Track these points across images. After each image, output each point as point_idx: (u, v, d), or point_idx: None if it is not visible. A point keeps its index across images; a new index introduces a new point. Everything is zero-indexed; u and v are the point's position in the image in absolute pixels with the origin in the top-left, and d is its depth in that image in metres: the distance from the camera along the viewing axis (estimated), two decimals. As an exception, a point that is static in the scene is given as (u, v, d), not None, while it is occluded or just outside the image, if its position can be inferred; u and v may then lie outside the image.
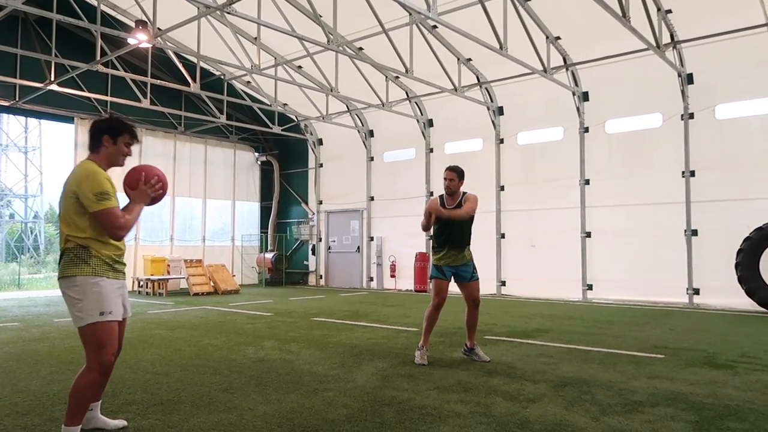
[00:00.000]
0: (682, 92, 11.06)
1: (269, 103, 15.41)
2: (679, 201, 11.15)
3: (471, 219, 5.86)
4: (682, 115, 11.15)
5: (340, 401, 4.19)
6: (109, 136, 3.42)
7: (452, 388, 4.60)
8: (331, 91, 13.05)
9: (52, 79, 12.25)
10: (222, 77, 15.16)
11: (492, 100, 13.75)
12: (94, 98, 14.39)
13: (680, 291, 11.09)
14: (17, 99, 13.34)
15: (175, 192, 16.59)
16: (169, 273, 15.05)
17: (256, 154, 18.83)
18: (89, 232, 3.22)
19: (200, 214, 17.20)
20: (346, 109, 15.96)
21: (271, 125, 16.12)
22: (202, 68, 14.91)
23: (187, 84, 13.40)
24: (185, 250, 16.44)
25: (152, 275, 14.80)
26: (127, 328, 7.80)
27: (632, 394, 4.38)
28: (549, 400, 4.24)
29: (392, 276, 15.84)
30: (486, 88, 13.56)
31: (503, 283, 13.68)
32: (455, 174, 5.79)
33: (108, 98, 14.04)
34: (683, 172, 11.14)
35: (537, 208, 13.18)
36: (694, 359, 5.77)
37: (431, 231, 5.93)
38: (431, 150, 15.26)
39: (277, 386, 4.64)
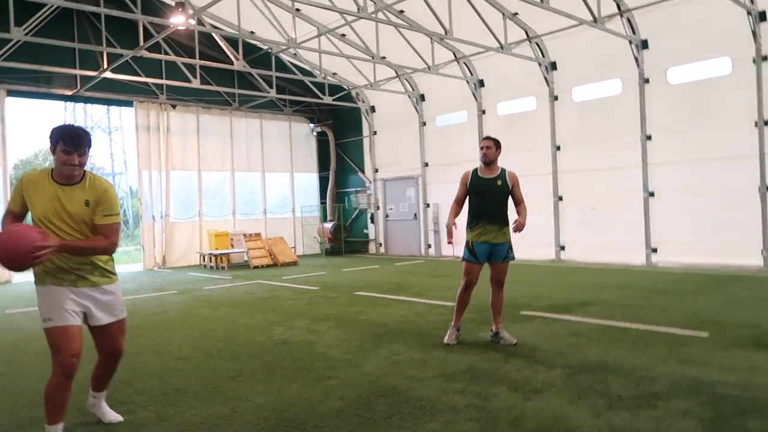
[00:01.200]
0: (754, 33, 9.92)
1: (315, 73, 15.31)
2: (752, 154, 10.14)
3: (507, 193, 5.52)
4: (753, 59, 10.04)
5: (339, 391, 4.15)
6: (52, 146, 3.26)
7: (460, 375, 4.44)
8: (373, 58, 12.76)
9: (105, 66, 12.75)
10: (269, 51, 15.18)
11: (543, 56, 12.97)
12: (151, 82, 14.86)
13: (754, 252, 10.20)
14: (79, 88, 14.00)
15: (235, 167, 17.02)
16: (232, 247, 15.57)
17: (312, 125, 18.91)
18: None
19: (260, 187, 17.59)
20: (395, 75, 15.61)
21: (321, 96, 16.06)
22: (250, 44, 15.09)
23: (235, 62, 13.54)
24: (247, 224, 16.90)
25: (217, 249, 15.39)
26: (177, 305, 8.08)
27: (652, 384, 4.06)
28: (556, 390, 4.00)
29: (449, 243, 15.57)
30: (536, 43, 12.79)
31: (562, 248, 13.15)
32: (492, 142, 5.55)
33: (162, 81, 14.50)
34: (756, 122, 10.09)
35: (596, 168, 12.44)
36: (740, 338, 5.27)
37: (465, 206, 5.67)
38: (483, 112, 14.70)
39: (284, 373, 4.67)
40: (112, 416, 3.72)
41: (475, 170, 5.61)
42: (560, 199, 13.14)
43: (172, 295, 9.88)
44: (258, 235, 15.33)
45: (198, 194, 16.30)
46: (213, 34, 13.77)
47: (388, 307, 7.69)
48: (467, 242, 5.57)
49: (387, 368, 4.72)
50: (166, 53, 13.74)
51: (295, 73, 15.64)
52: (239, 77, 16.73)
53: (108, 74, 12.90)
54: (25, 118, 39.33)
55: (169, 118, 15.72)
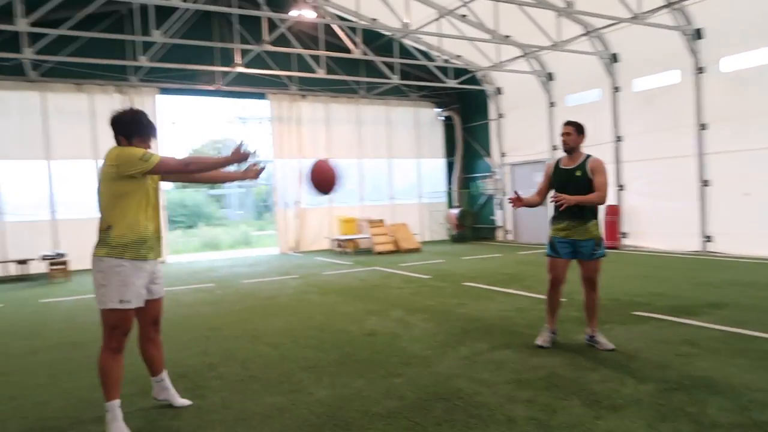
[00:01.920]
0: None
1: (436, 57, 15.06)
2: None
3: (588, 184, 5.01)
4: None
5: (401, 391, 4.04)
6: (124, 138, 3.62)
7: (535, 382, 4.11)
8: (493, 37, 12.24)
9: (239, 61, 13.63)
10: (393, 37, 15.20)
11: (688, 23, 11.53)
12: (282, 75, 15.62)
13: None
14: (219, 83, 15.13)
15: (362, 154, 17.40)
16: (359, 232, 15.99)
17: (438, 109, 18.71)
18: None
19: (387, 174, 17.82)
20: (521, 54, 14.86)
21: (445, 79, 15.78)
22: (373, 31, 15.22)
23: (364, 52, 13.76)
24: (374, 210, 17.24)
25: (345, 234, 15.92)
26: (291, 290, 8.38)
27: (762, 411, 3.42)
28: (638, 408, 3.53)
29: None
30: (680, 9, 11.39)
31: (708, 239, 11.71)
32: (572, 128, 5.06)
33: (292, 73, 15.19)
34: None
35: (750, 149, 10.85)
36: None
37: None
38: (617, 89, 13.48)
39: (357, 367, 4.65)
40: (181, 402, 3.93)
41: (559, 160, 5.14)
42: (706, 183, 11.68)
43: (292, 279, 10.37)
44: (381, 221, 15.56)
45: (327, 181, 16.87)
46: (333, 24, 14.00)
47: (491, 301, 7.38)
48: (548, 238, 5.14)
49: (460, 369, 4.50)
50: (295, 46, 14.34)
51: (418, 59, 15.51)
52: (366, 65, 16.99)
53: (240, 69, 13.78)
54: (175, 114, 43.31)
55: (300, 108, 16.44)
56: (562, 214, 5.03)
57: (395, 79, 15.17)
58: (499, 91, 17.10)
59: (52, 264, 11.45)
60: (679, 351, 4.74)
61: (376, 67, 16.26)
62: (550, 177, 5.14)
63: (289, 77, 15.89)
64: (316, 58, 14.60)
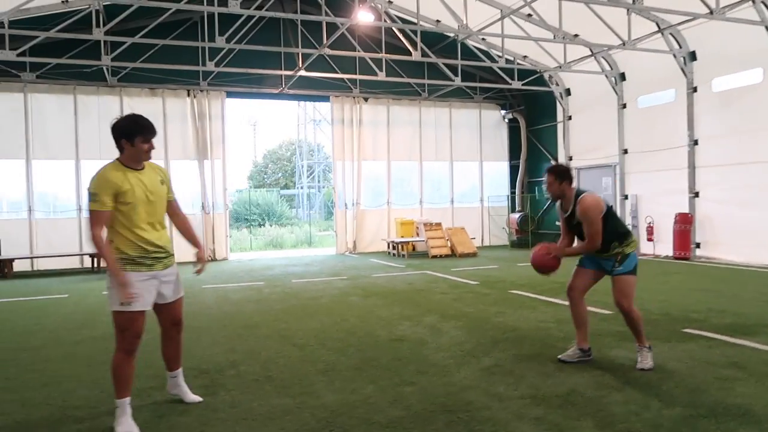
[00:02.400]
0: None
1: (501, 58, 14.68)
2: None
3: (600, 222, 4.59)
4: None
5: (409, 400, 3.93)
6: (126, 141, 3.60)
7: (551, 399, 3.88)
8: (563, 37, 11.80)
9: (301, 65, 13.91)
10: (456, 38, 15.01)
11: (772, 17, 10.64)
12: (345, 78, 15.80)
13: None
14: (283, 86, 15.50)
15: (423, 156, 17.30)
16: (417, 235, 15.91)
17: (503, 111, 18.31)
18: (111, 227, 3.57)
19: (448, 177, 17.62)
20: (590, 53, 14.27)
21: (509, 81, 15.40)
22: (436, 33, 15.08)
23: (425, 54, 13.68)
24: (434, 213, 17.10)
25: (402, 237, 15.88)
26: (335, 291, 8.39)
27: (796, 447, 3.07)
28: (655, 436, 3.26)
29: (649, 239, 13.87)
30: (762, 2, 10.54)
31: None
32: (552, 176, 4.66)
33: (353, 76, 15.33)
34: None
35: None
36: None
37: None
38: (695, 89, 12.65)
39: (372, 372, 4.58)
40: (192, 398, 4.01)
41: (561, 202, 4.88)
42: (790, 192, 10.74)
43: (340, 280, 10.43)
44: (438, 224, 15.39)
45: (387, 183, 16.95)
46: (393, 28, 13.98)
47: (533, 310, 7.10)
48: None
49: (477, 380, 4.34)
50: (357, 49, 14.47)
51: (482, 60, 15.22)
52: (428, 67, 16.87)
53: (302, 72, 14.06)
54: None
55: (361, 110, 16.57)
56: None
57: (457, 81, 14.96)
58: (567, 92, 16.50)
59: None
60: (721, 374, 4.35)
61: (439, 69, 16.12)
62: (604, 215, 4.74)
63: (352, 80, 16.05)
64: (377, 60, 14.65)
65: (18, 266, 12.96)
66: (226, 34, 11.61)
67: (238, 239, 21.40)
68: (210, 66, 13.01)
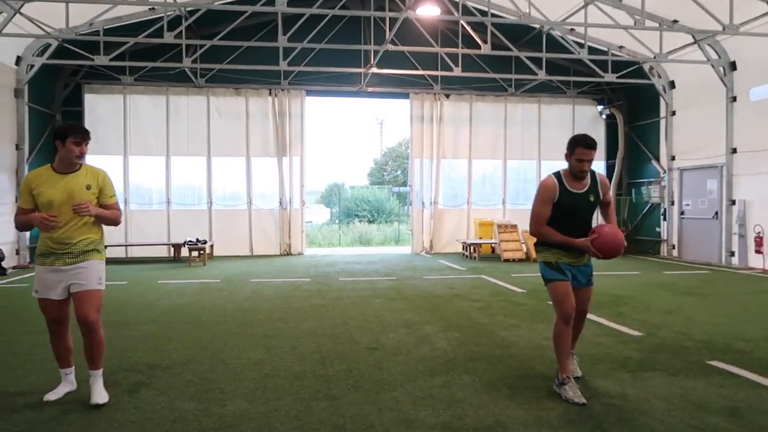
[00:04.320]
0: None
1: (581, 49, 13.49)
2: None
3: (597, 205, 4.23)
4: None
5: (308, 419, 3.63)
6: (59, 141, 3.77)
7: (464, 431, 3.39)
8: (636, 23, 10.60)
9: (372, 62, 13.80)
10: (541, 29, 14.07)
11: None
12: (427, 74, 15.46)
13: None
14: (362, 84, 15.50)
15: (507, 155, 16.47)
16: (498, 237, 15.15)
17: (600, 107, 16.87)
18: None
19: (534, 176, 16.61)
20: (692, 41, 12.67)
21: (602, 73, 14.12)
22: (522, 25, 14.21)
23: (498, 47, 13.01)
24: (518, 214, 16.16)
25: (481, 239, 15.24)
26: (366, 293, 8.35)
27: None
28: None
29: (758, 251, 12.03)
30: None
31: None
32: (594, 152, 4.14)
33: (430, 72, 14.97)
34: None
35: None
36: None
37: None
38: (815, 78, 10.75)
39: (305, 383, 4.32)
40: (94, 399, 3.85)
41: (562, 181, 4.21)
42: None
43: (385, 281, 10.18)
44: (514, 226, 14.52)
45: (467, 182, 16.35)
46: (461, 21, 13.36)
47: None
48: (543, 262, 4.27)
49: (404, 402, 3.91)
50: (434, 45, 14.06)
51: (572, 52, 14.10)
52: (516, 61, 15.98)
53: (374, 70, 13.95)
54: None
55: (442, 107, 16.13)
56: (570, 234, 4.14)
57: (541, 75, 13.99)
58: (671, 85, 14.80)
59: (191, 249, 12.80)
60: (705, 422, 3.53)
61: (525, 63, 15.21)
62: (554, 202, 4.17)
63: (433, 77, 15.65)
64: (456, 56, 14.13)
65: (113, 253, 14.20)
66: (309, 35, 11.94)
67: (328, 235, 21.87)
68: (283, 65, 13.30)
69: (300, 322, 6.59)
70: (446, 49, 13.56)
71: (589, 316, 6.75)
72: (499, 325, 6.43)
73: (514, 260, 13.64)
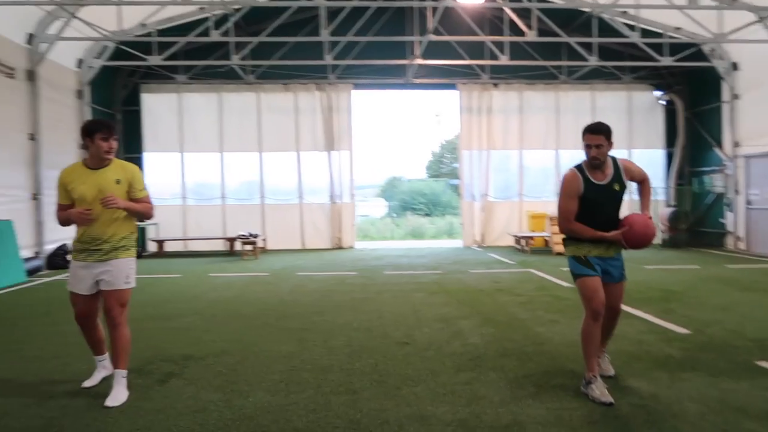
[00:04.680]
0: None
1: (632, 32, 12.89)
2: None
3: (624, 192, 4.12)
4: None
5: (322, 413, 3.66)
6: (88, 138, 3.93)
7: (479, 430, 3.32)
8: (699, 1, 10.00)
9: (417, 54, 13.70)
10: (591, 13, 13.54)
11: None
12: (475, 64, 15.19)
13: None
14: (408, 76, 15.42)
15: (559, 145, 16.00)
16: (550, 229, 14.77)
17: (657, 92, 16.11)
18: None
19: (588, 166, 16.05)
20: (756, 19, 11.88)
21: (658, 57, 13.47)
22: (569, 10, 13.77)
23: (545, 33, 12.65)
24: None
25: (533, 231, 14.92)
26: (408, 287, 8.51)
27: None
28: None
29: None
30: None
31: None
32: (602, 137, 3.96)
33: (484, 62, 14.67)
34: None
35: None
36: None
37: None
38: None
39: (329, 378, 4.35)
40: (108, 401, 3.88)
41: (584, 173, 4.06)
42: None
43: (430, 274, 10.12)
44: (566, 218, 14.06)
45: (519, 174, 16.01)
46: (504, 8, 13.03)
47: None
48: (571, 257, 4.11)
49: (422, 398, 3.88)
50: (480, 33, 13.80)
51: (626, 36, 13.51)
52: (567, 48, 15.48)
53: (419, 61, 13.83)
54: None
55: (491, 97, 15.83)
56: (598, 228, 3.99)
57: (592, 60, 13.50)
58: (734, 67, 13.96)
59: (244, 243, 13.13)
60: (748, 430, 3.32)
61: (575, 48, 14.71)
62: (580, 195, 4.00)
63: (482, 66, 15.38)
64: (501, 44, 13.82)
65: (173, 246, 14.79)
66: (354, 28, 12.01)
67: (381, 228, 21.94)
68: (328, 59, 13.40)
69: (337, 315, 6.64)
70: (491, 38, 13.31)
71: (635, 311, 6.55)
72: (538, 320, 6.27)
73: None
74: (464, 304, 7.30)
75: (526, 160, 16.05)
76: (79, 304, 4.07)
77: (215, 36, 11.64)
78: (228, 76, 15.12)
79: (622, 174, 4.06)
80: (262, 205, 15.58)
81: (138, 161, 15.39)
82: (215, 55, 14.58)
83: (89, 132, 3.97)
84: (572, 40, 13.23)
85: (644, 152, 16.19)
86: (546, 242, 14.75)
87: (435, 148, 59.75)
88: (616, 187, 4.01)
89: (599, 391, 3.79)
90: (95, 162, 4.02)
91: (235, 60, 13.24)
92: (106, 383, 4.13)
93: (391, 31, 13.93)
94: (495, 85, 15.81)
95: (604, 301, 3.97)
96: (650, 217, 4.05)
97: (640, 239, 3.93)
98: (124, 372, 4.00)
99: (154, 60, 12.73)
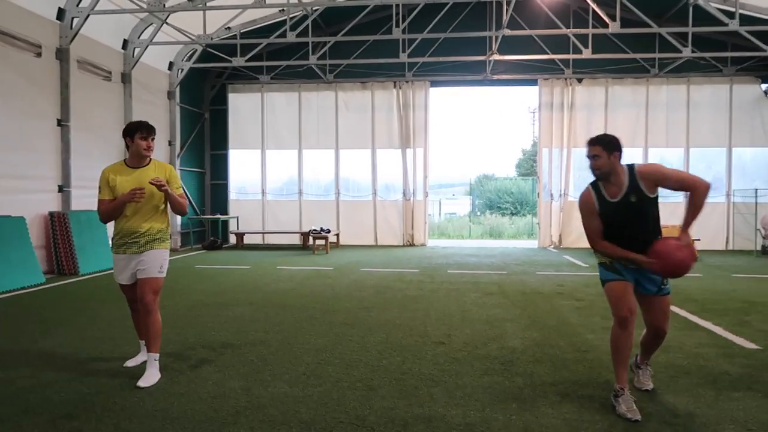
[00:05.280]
0: None
1: (731, 20, 11.80)
2: None
3: (652, 202, 3.70)
4: None
5: (325, 409, 3.67)
6: (129, 137, 4.19)
7: (481, 437, 3.21)
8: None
9: (494, 50, 13.39)
10: (687, 1, 12.59)
11: None
12: (557, 58, 14.63)
13: None
14: (486, 72, 15.12)
15: (649, 142, 15.05)
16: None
17: (764, 85, 14.72)
18: None
19: (680, 165, 14.97)
20: None
21: (765, 46, 12.31)
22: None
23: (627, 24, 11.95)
24: (662, 208, 14.72)
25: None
26: (470, 286, 8.45)
27: None
28: None
29: None
30: None
31: None
32: (599, 146, 3.66)
33: (567, 56, 14.09)
34: None
35: None
36: None
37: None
38: None
39: (351, 373, 4.35)
40: (140, 381, 4.11)
41: (599, 191, 3.77)
42: None
43: (493, 275, 9.88)
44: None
45: (602, 173, 15.21)
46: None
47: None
48: (600, 263, 3.86)
49: (456, 398, 3.78)
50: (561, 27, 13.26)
51: (725, 24, 12.45)
52: (660, 39, 14.51)
53: (495, 56, 13.53)
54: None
55: (574, 93, 15.18)
56: (623, 246, 3.69)
57: (686, 52, 12.58)
58: None
59: (315, 238, 13.45)
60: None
61: (668, 39, 13.75)
62: (599, 214, 3.74)
63: (564, 61, 14.78)
64: (584, 37, 13.20)
65: (252, 239, 15.46)
66: (430, 25, 11.99)
67: (459, 226, 21.68)
68: (403, 57, 13.41)
69: (383, 312, 6.65)
70: (573, 30, 12.70)
71: (703, 323, 6.07)
72: (590, 327, 5.94)
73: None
74: (517, 306, 7.06)
75: (610, 158, 15.21)
76: (126, 293, 4.42)
77: (291, 37, 11.97)
78: (308, 76, 15.54)
79: (640, 183, 3.64)
80: (337, 201, 15.88)
81: (223, 158, 16.24)
82: (296, 55, 15.03)
83: (130, 132, 4.23)
84: (664, 30, 12.39)
85: (747, 150, 14.90)
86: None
87: (526, 145, 58.36)
88: (633, 199, 3.63)
89: (626, 405, 3.53)
90: (135, 161, 4.28)
91: (312, 60, 13.58)
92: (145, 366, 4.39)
93: (470, 27, 13.70)
94: (578, 80, 15.13)
95: (632, 307, 3.68)
96: (684, 239, 3.51)
97: (672, 271, 3.55)
98: (156, 355, 4.22)
99: (238, 62, 13.33)
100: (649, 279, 3.74)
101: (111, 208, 4.27)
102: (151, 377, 4.12)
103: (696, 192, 3.57)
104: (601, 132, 13.28)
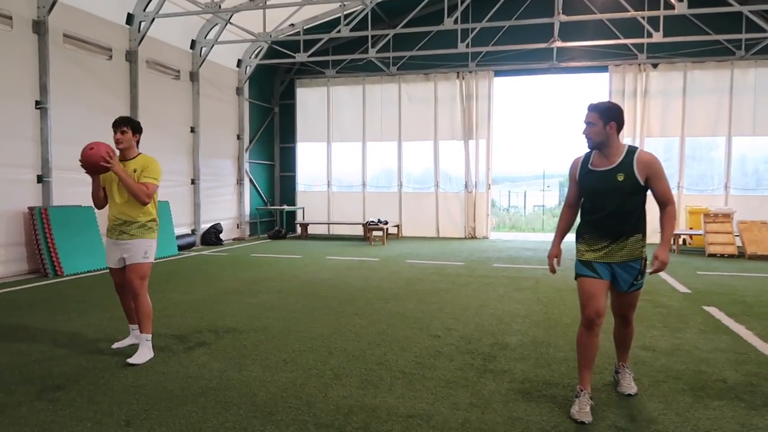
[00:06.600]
0: None
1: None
2: None
3: (639, 189, 3.50)
4: None
5: (313, 404, 3.81)
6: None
7: None
8: None
9: (555, 36, 12.88)
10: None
11: None
12: (629, 43, 13.83)
13: None
14: (553, 60, 14.58)
15: (732, 131, 13.88)
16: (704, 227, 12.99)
17: None
18: None
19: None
20: None
21: None
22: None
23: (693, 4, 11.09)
24: (747, 202, 13.64)
25: (691, 229, 13.28)
26: (505, 280, 8.67)
27: None
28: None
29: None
30: None
31: None
32: (596, 114, 3.51)
33: (641, 40, 13.29)
34: None
35: None
36: None
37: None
38: None
39: (349, 366, 4.48)
40: (132, 359, 4.42)
41: (587, 157, 3.67)
42: None
43: (536, 269, 9.61)
44: (726, 216, 12.21)
45: (679, 163, 14.26)
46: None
47: (681, 333, 5.40)
48: (577, 259, 3.72)
49: (443, 395, 3.82)
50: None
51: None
52: (747, 18, 13.30)
53: (558, 44, 13.02)
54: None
55: (648, 79, 14.29)
56: (597, 232, 3.55)
57: (772, 31, 11.49)
58: None
59: (371, 229, 13.65)
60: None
61: (752, 19, 12.61)
62: (577, 182, 3.64)
63: (640, 46, 13.93)
64: (656, 19, 12.39)
65: (316, 230, 15.97)
66: (490, 13, 11.91)
67: (530, 219, 21.05)
68: (461, 47, 13.24)
69: (399, 303, 6.70)
70: (640, 13, 11.96)
71: (735, 326, 5.63)
72: (603, 327, 5.65)
73: (723, 255, 11.54)
74: (542, 302, 6.85)
75: (688, 147, 14.22)
76: (115, 276, 4.75)
77: (345, 32, 12.19)
78: (371, 69, 15.72)
79: (635, 166, 3.47)
80: (399, 192, 15.99)
81: (292, 151, 16.83)
82: (359, 49, 15.25)
83: (113, 126, 4.58)
84: (747, 9, 11.38)
85: None
86: (686, 240, 13.02)
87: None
88: (620, 177, 3.46)
89: (578, 407, 3.41)
90: (122, 154, 4.59)
91: (371, 53, 13.73)
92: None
93: (533, 13, 13.26)
94: (654, 65, 14.21)
95: (600, 310, 3.53)
96: (663, 256, 3.48)
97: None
98: (148, 336, 4.56)
99: (301, 57, 13.76)
100: (623, 277, 3.59)
101: (95, 189, 4.62)
102: (142, 355, 4.46)
103: (672, 207, 3.55)
104: (678, 120, 12.59)
